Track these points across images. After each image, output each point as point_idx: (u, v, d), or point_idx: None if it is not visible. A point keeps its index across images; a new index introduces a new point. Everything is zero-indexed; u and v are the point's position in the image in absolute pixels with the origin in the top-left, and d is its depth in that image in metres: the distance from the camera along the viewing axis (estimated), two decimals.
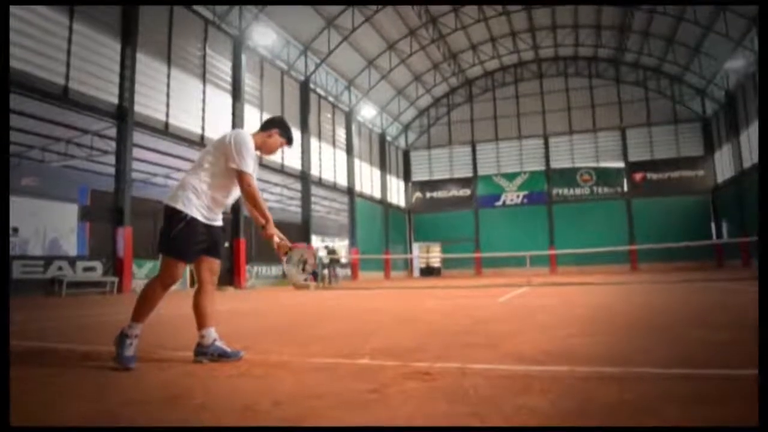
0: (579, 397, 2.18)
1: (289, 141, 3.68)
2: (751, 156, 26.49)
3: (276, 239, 3.55)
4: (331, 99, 29.46)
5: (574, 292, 10.94)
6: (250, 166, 3.34)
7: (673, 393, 2.18)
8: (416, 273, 37.73)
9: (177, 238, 3.23)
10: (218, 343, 3.29)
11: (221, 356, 3.24)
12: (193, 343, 3.32)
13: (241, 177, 3.30)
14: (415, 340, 4.14)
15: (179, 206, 3.24)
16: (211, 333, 3.30)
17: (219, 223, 3.48)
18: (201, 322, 3.33)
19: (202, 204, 3.29)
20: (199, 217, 3.27)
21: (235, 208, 20.24)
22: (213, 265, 3.44)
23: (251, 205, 3.43)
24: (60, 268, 14.14)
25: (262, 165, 22.59)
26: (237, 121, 20.58)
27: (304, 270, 4.08)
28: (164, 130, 17.50)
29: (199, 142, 18.91)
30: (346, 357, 3.31)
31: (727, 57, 26.02)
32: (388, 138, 37.10)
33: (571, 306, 7.31)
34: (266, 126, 3.63)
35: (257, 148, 3.53)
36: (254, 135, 3.50)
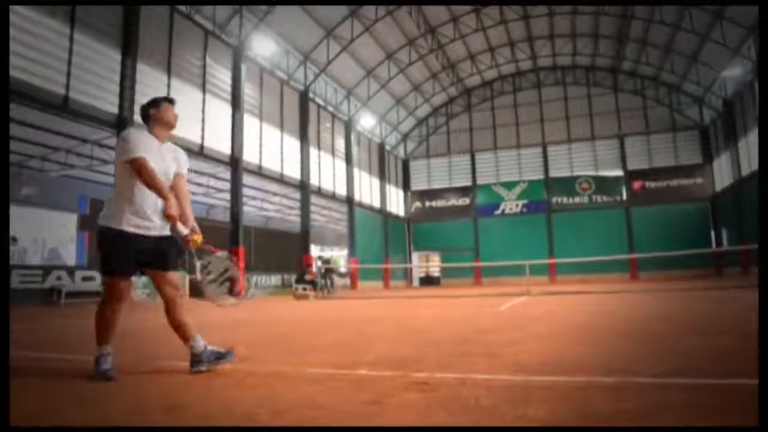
0: (577, 407, 2.18)
1: (169, 101, 3.51)
2: (749, 164, 26.56)
3: (181, 227, 3.29)
4: (330, 108, 29.55)
5: (573, 300, 10.93)
6: (140, 149, 3.18)
7: (670, 402, 2.19)
8: (416, 282, 37.67)
9: (110, 255, 3.23)
10: (210, 348, 3.27)
11: (218, 359, 3.24)
12: (184, 352, 3.31)
13: (132, 163, 3.16)
14: (414, 349, 4.14)
15: (107, 223, 3.23)
16: (198, 341, 3.26)
17: (159, 232, 3.33)
18: (183, 335, 3.28)
19: (129, 214, 3.22)
20: (131, 229, 3.21)
21: (235, 217, 20.25)
22: (166, 278, 3.31)
23: (147, 185, 3.19)
24: (59, 278, 14.12)
25: (262, 175, 22.64)
26: (236, 130, 20.61)
27: (229, 290, 3.94)
28: None
29: (199, 151, 18.93)
30: (345, 367, 3.31)
31: (725, 66, 26.14)
32: (388, 147, 37.18)
33: (570, 315, 7.30)
34: (146, 113, 3.45)
35: (163, 129, 3.43)
36: (150, 128, 3.40)
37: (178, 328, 3.29)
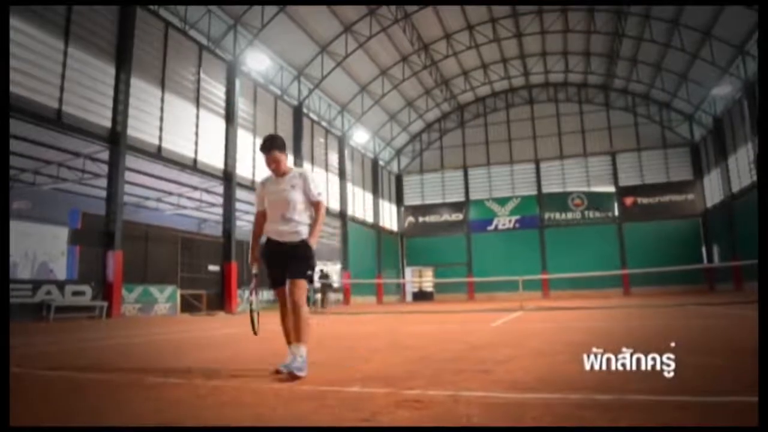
0: (573, 425, 2.15)
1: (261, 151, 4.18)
2: (739, 180, 26.80)
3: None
4: (324, 124, 29.64)
5: (566, 316, 10.91)
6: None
7: (666, 420, 2.16)
8: (409, 297, 37.55)
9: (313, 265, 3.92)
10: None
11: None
12: (176, 369, 3.26)
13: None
14: (406, 366, 4.10)
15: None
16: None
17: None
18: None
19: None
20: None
21: (227, 231, 20.16)
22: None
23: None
24: (48, 293, 13.92)
25: (252, 189, 22.57)
26: (229, 144, 20.61)
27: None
28: (157, 154, 17.48)
29: (192, 166, 18.90)
30: (337, 384, 3.26)
31: (714, 84, 26.47)
32: (381, 162, 37.28)
33: (563, 331, 7.28)
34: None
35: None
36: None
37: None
